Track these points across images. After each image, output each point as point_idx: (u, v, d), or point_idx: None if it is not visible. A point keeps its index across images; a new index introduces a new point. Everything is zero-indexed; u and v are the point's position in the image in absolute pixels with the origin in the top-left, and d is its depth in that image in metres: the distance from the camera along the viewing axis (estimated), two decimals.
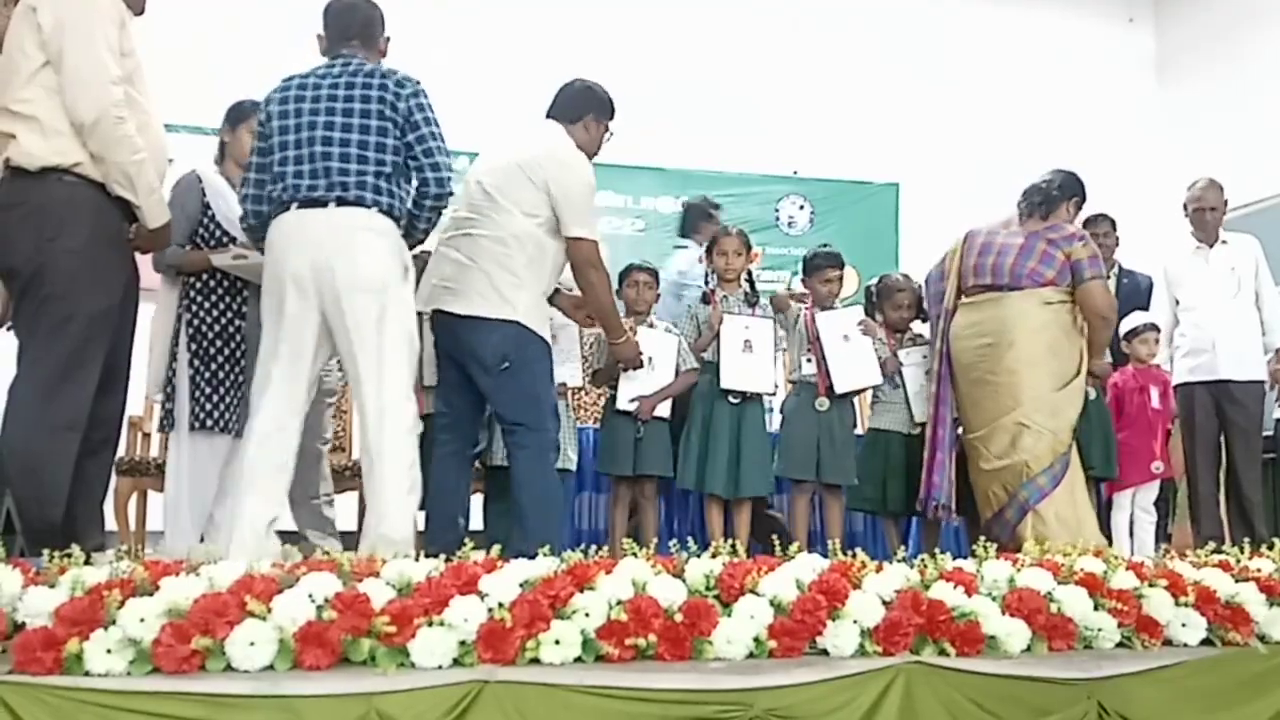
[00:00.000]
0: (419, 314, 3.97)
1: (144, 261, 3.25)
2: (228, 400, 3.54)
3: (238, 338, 3.59)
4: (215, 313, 3.57)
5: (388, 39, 3.38)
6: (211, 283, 3.59)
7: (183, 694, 1.96)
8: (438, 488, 3.50)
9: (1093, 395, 4.38)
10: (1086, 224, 5.10)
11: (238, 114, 3.76)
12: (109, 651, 2.00)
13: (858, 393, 4.50)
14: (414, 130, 3.14)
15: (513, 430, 3.48)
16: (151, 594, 2.10)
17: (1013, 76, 8.52)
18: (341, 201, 3.04)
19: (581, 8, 7.53)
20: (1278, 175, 7.39)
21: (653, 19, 7.86)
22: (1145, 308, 5.18)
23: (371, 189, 3.06)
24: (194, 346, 3.53)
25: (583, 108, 3.74)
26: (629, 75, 7.56)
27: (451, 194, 3.28)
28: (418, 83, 3.19)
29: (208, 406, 3.51)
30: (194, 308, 3.57)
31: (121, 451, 4.81)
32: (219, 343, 3.55)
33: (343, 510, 4.43)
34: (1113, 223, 5.23)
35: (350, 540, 3.53)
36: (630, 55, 7.62)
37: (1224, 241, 5.02)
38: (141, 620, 2.03)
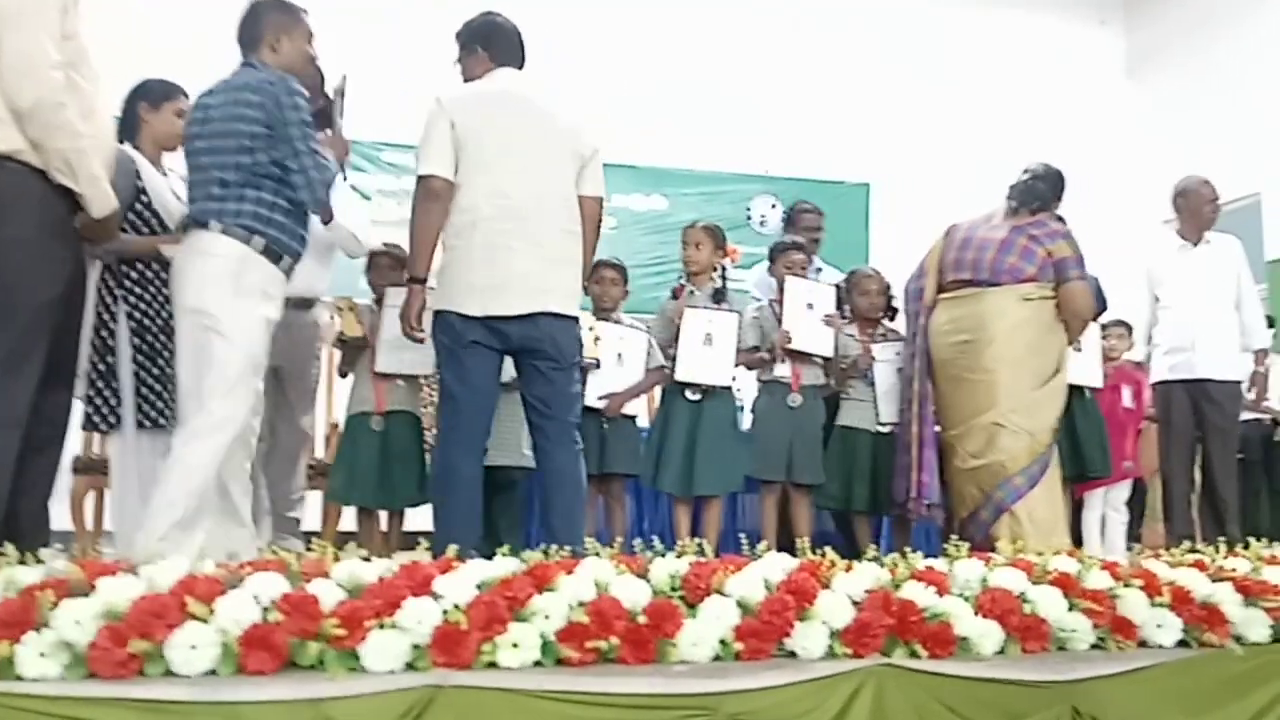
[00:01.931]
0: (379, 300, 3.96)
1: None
2: (171, 396, 3.42)
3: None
4: (156, 305, 3.42)
5: (281, 37, 3.25)
6: (149, 274, 3.44)
7: (119, 700, 1.87)
8: (463, 480, 3.29)
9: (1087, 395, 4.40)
10: None
11: (161, 92, 3.62)
12: (42, 655, 1.91)
13: (808, 359, 4.43)
14: (287, 143, 3.10)
15: (566, 425, 3.37)
16: (88, 595, 2.01)
17: (984, 77, 8.54)
18: (192, 224, 3.12)
19: (555, 7, 7.47)
20: (1245, 176, 7.42)
21: (626, 19, 7.83)
22: (1103, 308, 5.15)
23: (215, 210, 3.07)
24: (137, 342, 3.39)
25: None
26: (602, 73, 7.58)
27: (322, 205, 3.32)
28: (290, 89, 3.11)
29: (158, 405, 3.38)
30: (133, 299, 3.40)
31: (78, 449, 4.73)
32: (163, 337, 3.41)
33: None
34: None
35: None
36: (603, 54, 7.61)
37: (1207, 241, 5.01)
38: (77, 622, 1.94)
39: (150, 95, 3.61)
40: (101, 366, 3.39)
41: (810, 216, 5.21)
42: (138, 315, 3.41)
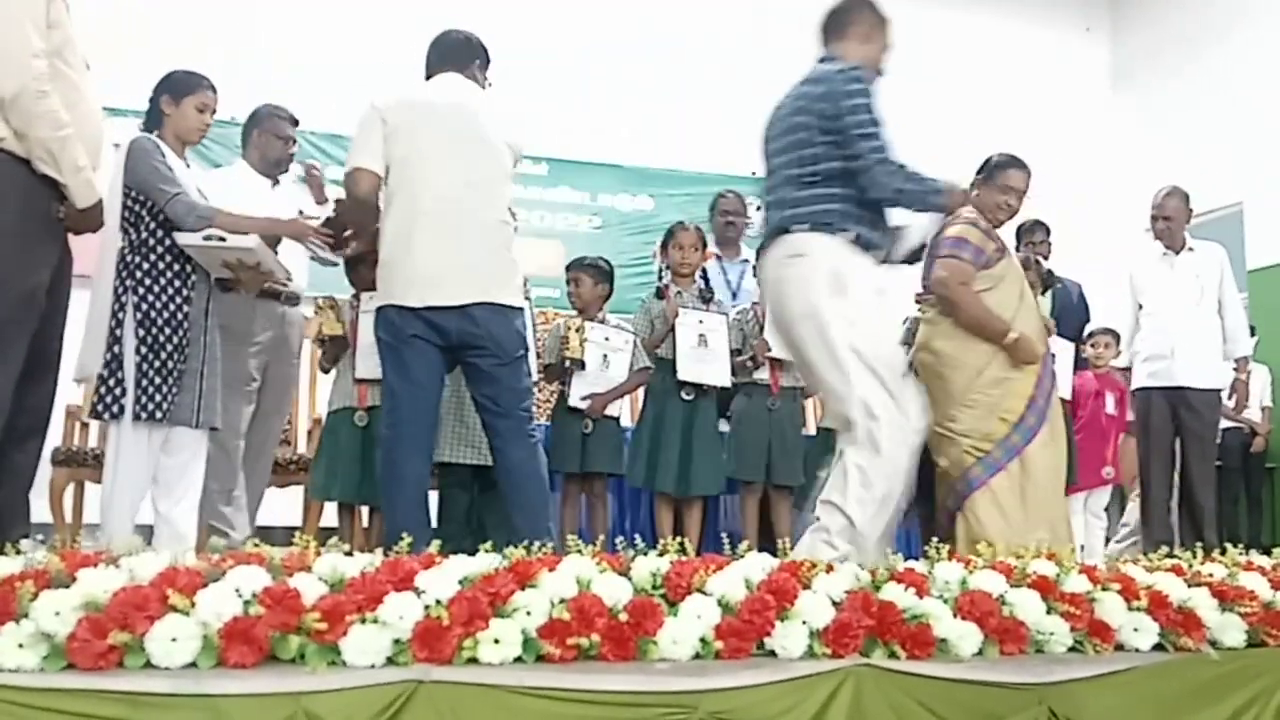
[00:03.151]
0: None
1: (77, 243, 3.10)
2: (172, 389, 3.39)
3: (185, 325, 3.43)
4: (164, 298, 3.38)
5: (873, 33, 3.54)
6: (160, 265, 3.39)
7: (99, 692, 1.86)
8: (409, 480, 3.31)
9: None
10: (1022, 232, 5.10)
11: (184, 86, 3.53)
12: (20, 646, 1.90)
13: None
14: (842, 133, 3.33)
15: (518, 419, 3.36)
16: (67, 586, 2.00)
17: (970, 82, 8.57)
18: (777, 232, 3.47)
19: (545, 6, 7.47)
20: (1228, 185, 7.47)
21: (611, 17, 7.82)
22: (1086, 317, 5.18)
23: (791, 215, 3.38)
24: (142, 333, 3.35)
25: (472, 57, 3.60)
26: (591, 73, 7.59)
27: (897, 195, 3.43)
28: (850, 76, 3.29)
29: (156, 398, 3.34)
30: (141, 290, 3.35)
31: (58, 441, 4.69)
32: (168, 330, 3.36)
33: (285, 504, 4.35)
34: (1047, 230, 5.23)
35: (282, 535, 3.41)
36: (589, 53, 7.59)
37: (1190, 249, 5.04)
38: (56, 613, 1.92)
39: (173, 89, 3.52)
40: (108, 355, 3.36)
41: (727, 200, 5.19)
42: (144, 307, 3.36)
